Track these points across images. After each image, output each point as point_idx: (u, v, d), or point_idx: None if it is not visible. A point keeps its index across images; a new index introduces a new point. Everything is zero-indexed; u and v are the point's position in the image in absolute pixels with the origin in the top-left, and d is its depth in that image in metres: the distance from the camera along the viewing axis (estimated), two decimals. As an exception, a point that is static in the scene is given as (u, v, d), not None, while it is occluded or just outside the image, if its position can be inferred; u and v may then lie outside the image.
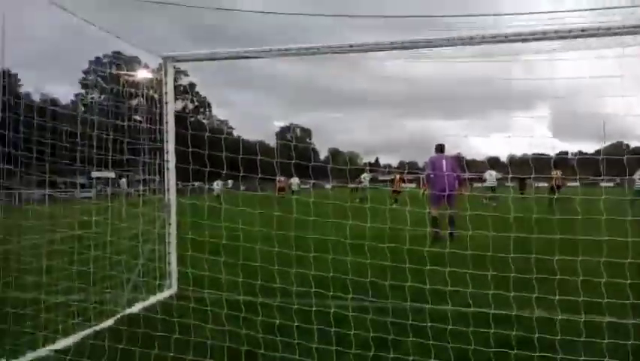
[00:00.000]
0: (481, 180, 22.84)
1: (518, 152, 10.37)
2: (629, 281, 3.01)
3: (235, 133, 74.47)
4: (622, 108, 3.58)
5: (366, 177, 25.02)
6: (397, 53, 4.40)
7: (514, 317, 3.14)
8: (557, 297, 3.23)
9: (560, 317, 3.19)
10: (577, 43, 4.21)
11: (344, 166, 4.37)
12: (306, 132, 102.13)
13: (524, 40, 3.99)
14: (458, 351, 3.12)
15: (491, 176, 22.01)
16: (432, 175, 10.13)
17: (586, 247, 3.61)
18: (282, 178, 25.19)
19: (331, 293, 3.66)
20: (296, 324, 3.50)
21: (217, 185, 22.69)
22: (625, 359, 2.96)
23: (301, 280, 4.05)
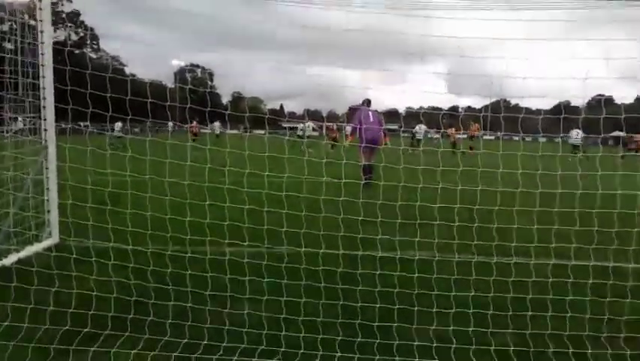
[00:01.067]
0: (412, 132, 24.72)
1: (415, 104, 11.38)
2: (515, 225, 3.40)
3: (127, 70, 68.12)
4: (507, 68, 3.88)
5: (309, 126, 25.88)
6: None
7: (398, 259, 3.39)
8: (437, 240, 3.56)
9: (437, 258, 3.52)
10: (474, 3, 4.42)
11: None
12: (208, 74, 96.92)
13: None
14: (347, 292, 3.33)
15: (421, 129, 23.84)
16: (360, 127, 11.03)
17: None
18: (195, 122, 24.58)
19: (227, 241, 3.64)
20: (189, 272, 3.45)
21: (117, 127, 21.28)
22: (488, 289, 3.40)
23: (197, 229, 3.95)
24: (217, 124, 26.67)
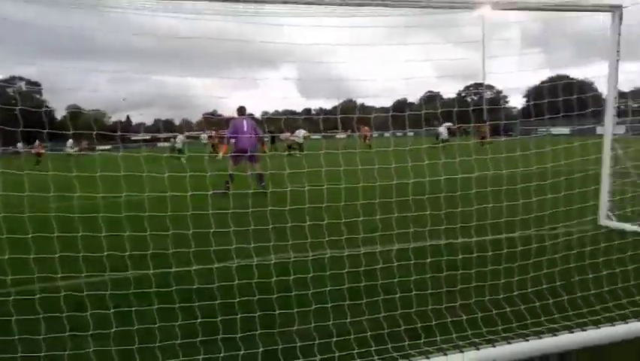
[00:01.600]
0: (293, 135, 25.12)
1: (270, 109, 11.59)
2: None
3: None
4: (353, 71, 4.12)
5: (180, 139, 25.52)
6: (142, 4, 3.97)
7: (255, 265, 3.35)
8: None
9: (292, 259, 3.56)
10: (316, 10, 4.58)
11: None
12: (35, 86, 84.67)
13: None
14: (204, 308, 3.18)
15: (300, 132, 24.66)
16: (233, 136, 11.04)
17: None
18: (38, 142, 23.04)
19: (60, 275, 3.19)
20: (15, 318, 2.94)
21: None
22: (342, 281, 3.55)
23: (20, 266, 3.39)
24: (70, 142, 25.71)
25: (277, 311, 3.21)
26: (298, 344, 3.00)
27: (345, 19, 4.81)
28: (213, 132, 25.15)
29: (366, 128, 21.49)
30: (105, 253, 3.12)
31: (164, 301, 3.20)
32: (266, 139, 13.88)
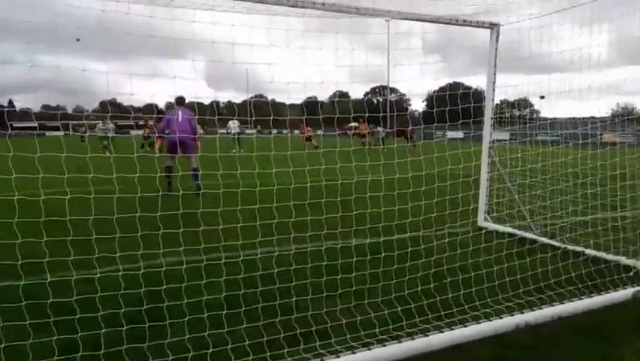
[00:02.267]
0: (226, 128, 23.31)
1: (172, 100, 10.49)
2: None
3: None
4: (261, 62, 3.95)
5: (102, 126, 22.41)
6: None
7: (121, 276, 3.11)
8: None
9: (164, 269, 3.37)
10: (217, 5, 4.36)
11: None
12: None
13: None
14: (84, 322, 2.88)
15: (235, 124, 23.02)
16: (166, 128, 10.37)
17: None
18: None
19: None
20: None
21: None
22: (219, 290, 3.42)
23: None
24: None
25: (147, 324, 3.00)
26: (171, 358, 2.83)
27: (259, 16, 4.67)
28: (145, 122, 23.13)
29: (308, 128, 19.91)
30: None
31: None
32: (200, 132, 12.64)
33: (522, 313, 3.59)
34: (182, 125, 9.94)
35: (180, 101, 10.39)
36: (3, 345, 2.69)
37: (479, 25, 5.39)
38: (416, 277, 3.98)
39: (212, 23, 4.16)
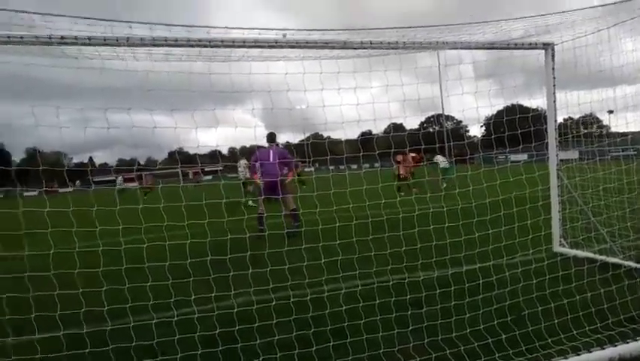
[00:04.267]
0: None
1: (237, 144, 10.67)
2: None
3: None
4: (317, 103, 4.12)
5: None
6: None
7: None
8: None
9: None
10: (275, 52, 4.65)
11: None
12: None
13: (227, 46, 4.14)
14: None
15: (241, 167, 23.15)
16: (258, 166, 9.30)
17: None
18: None
19: None
20: None
21: None
22: (308, 326, 3.43)
23: None
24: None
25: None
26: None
27: (310, 62, 4.88)
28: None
29: (409, 155, 18.48)
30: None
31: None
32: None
33: (615, 346, 3.30)
34: (274, 168, 8.99)
35: (272, 138, 9.49)
36: None
37: (533, 46, 5.27)
38: (491, 310, 3.79)
39: (267, 73, 4.37)
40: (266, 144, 9.54)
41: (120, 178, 24.87)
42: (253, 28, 4.07)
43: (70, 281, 3.37)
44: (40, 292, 3.08)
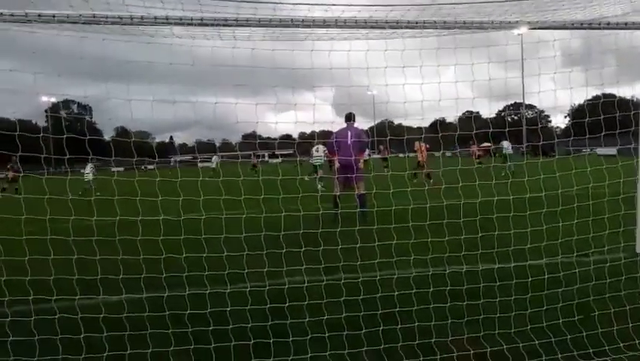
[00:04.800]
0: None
1: (307, 130, 10.81)
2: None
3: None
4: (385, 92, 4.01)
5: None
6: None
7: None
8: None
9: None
10: (351, 34, 4.55)
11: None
12: (85, 109, 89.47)
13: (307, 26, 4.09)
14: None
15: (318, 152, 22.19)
16: (336, 147, 9.15)
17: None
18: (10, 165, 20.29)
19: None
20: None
21: None
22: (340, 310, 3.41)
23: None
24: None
25: (272, 340, 3.10)
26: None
27: (383, 42, 4.71)
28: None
29: (423, 145, 17.94)
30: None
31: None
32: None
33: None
34: (351, 148, 8.94)
35: (350, 117, 9.40)
36: (150, 350, 2.99)
37: (637, 26, 4.70)
38: (556, 307, 3.52)
39: (349, 51, 4.23)
40: (343, 124, 9.41)
41: (215, 157, 27.28)
42: (319, 4, 3.95)
43: (134, 248, 3.56)
44: (107, 255, 3.29)
